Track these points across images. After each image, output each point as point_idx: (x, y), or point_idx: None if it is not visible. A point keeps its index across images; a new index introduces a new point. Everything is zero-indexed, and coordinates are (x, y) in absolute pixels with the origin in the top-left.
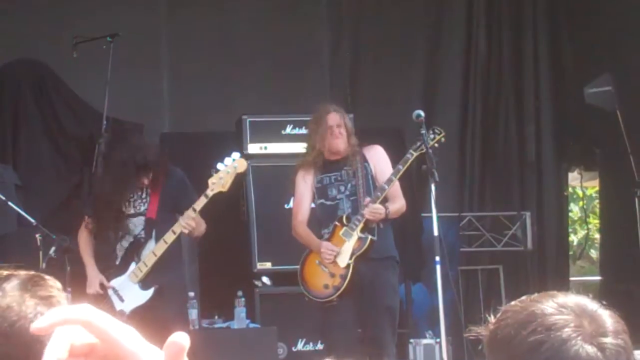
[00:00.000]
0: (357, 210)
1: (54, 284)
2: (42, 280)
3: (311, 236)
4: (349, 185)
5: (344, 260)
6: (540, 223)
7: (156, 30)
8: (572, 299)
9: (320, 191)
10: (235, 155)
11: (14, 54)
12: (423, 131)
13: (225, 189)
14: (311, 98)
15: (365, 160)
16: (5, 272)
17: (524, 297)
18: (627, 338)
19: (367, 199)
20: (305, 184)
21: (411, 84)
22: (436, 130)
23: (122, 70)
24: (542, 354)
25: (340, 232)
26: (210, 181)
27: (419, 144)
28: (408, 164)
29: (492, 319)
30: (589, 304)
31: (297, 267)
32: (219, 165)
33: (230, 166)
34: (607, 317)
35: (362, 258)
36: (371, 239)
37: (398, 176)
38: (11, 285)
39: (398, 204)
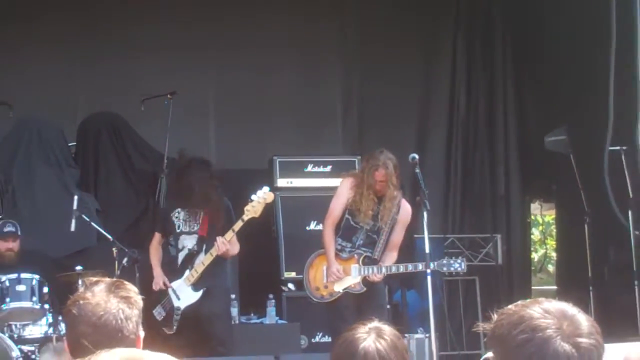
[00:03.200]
0: (368, 243)
1: (131, 288)
2: (123, 284)
3: (332, 247)
4: (373, 224)
5: (339, 286)
6: (508, 243)
7: (206, 89)
8: (555, 305)
9: (352, 211)
10: (265, 189)
11: (96, 108)
12: (417, 170)
13: (257, 215)
14: (327, 143)
15: (397, 213)
16: (94, 279)
17: (518, 302)
18: (599, 338)
19: (381, 264)
20: (345, 194)
21: (406, 133)
22: (462, 265)
23: (179, 120)
24: (528, 349)
25: (352, 266)
26: (245, 208)
27: (443, 263)
28: (408, 271)
29: (494, 317)
30: (569, 309)
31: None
32: (253, 196)
33: (261, 197)
34: (584, 321)
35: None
36: (366, 290)
37: (397, 272)
38: (99, 288)
39: (391, 259)
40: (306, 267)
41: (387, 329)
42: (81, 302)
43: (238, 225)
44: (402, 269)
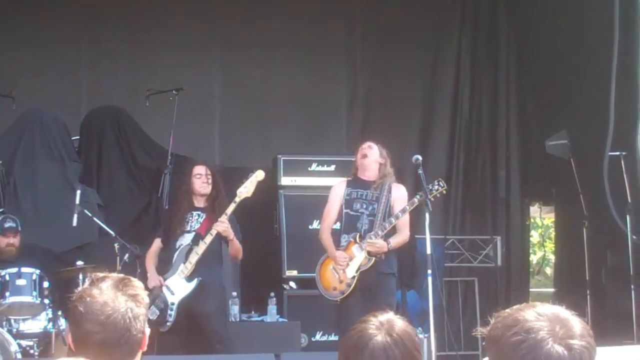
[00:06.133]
0: (371, 228)
1: (138, 285)
2: (130, 281)
3: (331, 244)
4: (371, 208)
5: (351, 271)
6: (507, 245)
7: (211, 86)
8: (548, 309)
9: (347, 202)
10: (257, 170)
11: (100, 102)
12: (420, 171)
13: (249, 194)
14: (332, 142)
15: (390, 193)
16: (100, 274)
17: (514, 307)
18: (591, 340)
19: (372, 233)
20: (337, 196)
21: (410, 134)
22: (440, 183)
23: (184, 116)
24: (521, 350)
25: (353, 247)
26: (237, 190)
27: (421, 192)
28: (414, 206)
29: (491, 320)
30: (562, 312)
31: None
32: (244, 179)
33: (251, 177)
34: (577, 323)
35: (367, 272)
36: (375, 260)
37: (404, 214)
38: (107, 285)
39: (401, 237)
40: (317, 278)
41: (399, 325)
42: (88, 299)
43: (231, 208)
44: (393, 220)
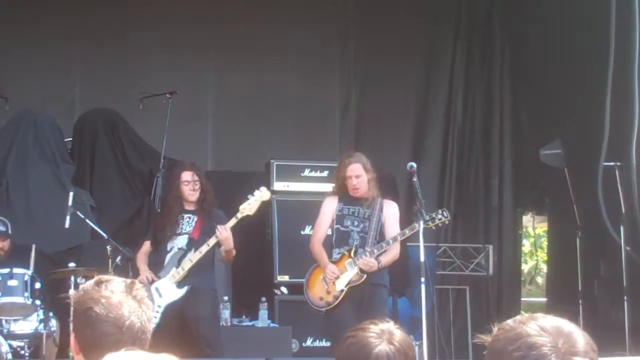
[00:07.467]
0: (363, 244)
1: (143, 288)
2: (136, 284)
3: (323, 255)
4: (362, 225)
5: (340, 284)
6: (499, 254)
7: (205, 90)
8: (551, 322)
9: (338, 218)
10: (263, 188)
11: (94, 104)
12: (415, 179)
13: (252, 212)
14: (325, 148)
15: (381, 211)
16: (106, 276)
17: (517, 317)
18: (595, 356)
19: (368, 249)
20: (328, 210)
21: (403, 142)
22: (444, 213)
23: (177, 119)
24: None
25: (346, 262)
26: (240, 207)
27: (427, 219)
28: (413, 231)
29: (494, 330)
30: (566, 326)
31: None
32: (250, 195)
33: (257, 195)
34: (580, 338)
35: (356, 286)
36: (366, 277)
37: (402, 238)
38: (116, 287)
39: (390, 255)
40: (305, 287)
41: (399, 334)
42: (103, 300)
43: (231, 222)
44: (391, 242)
